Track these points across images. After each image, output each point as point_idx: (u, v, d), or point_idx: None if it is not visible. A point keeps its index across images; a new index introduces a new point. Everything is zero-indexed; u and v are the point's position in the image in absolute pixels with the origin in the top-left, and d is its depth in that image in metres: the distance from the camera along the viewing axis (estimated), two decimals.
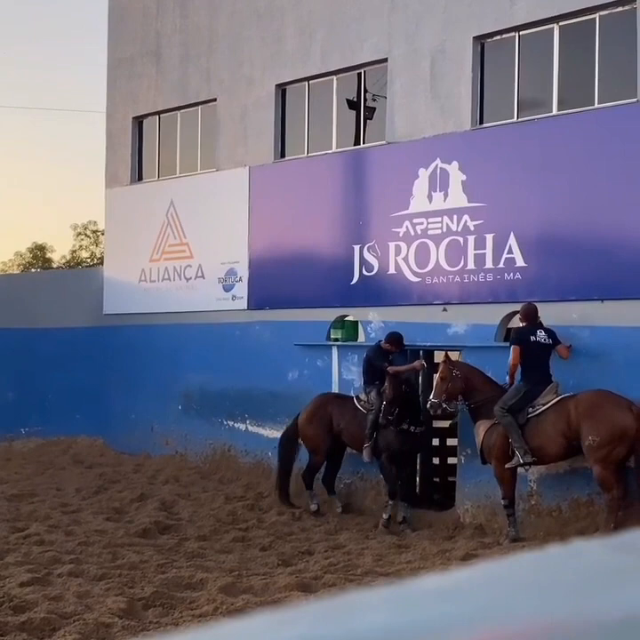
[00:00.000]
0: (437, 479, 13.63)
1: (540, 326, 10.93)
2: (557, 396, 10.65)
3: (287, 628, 0.77)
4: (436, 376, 11.24)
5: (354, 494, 12.99)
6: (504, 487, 10.86)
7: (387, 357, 12.25)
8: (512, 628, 0.72)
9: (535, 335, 10.79)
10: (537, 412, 10.64)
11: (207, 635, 0.79)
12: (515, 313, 11.96)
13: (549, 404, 10.61)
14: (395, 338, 12.31)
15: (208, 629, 0.79)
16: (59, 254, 47.05)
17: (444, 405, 11.21)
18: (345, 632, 0.74)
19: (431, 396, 11.19)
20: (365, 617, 0.77)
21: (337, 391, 13.40)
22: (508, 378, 11.03)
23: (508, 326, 12.35)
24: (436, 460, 13.78)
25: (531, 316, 10.97)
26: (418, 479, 12.93)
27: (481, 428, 11.01)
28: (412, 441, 12.01)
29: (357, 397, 12.56)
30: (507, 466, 10.75)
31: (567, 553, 0.87)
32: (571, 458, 10.67)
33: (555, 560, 0.85)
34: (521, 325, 11.06)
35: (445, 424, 13.21)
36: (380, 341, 12.54)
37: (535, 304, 11.10)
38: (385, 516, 11.68)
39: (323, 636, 0.74)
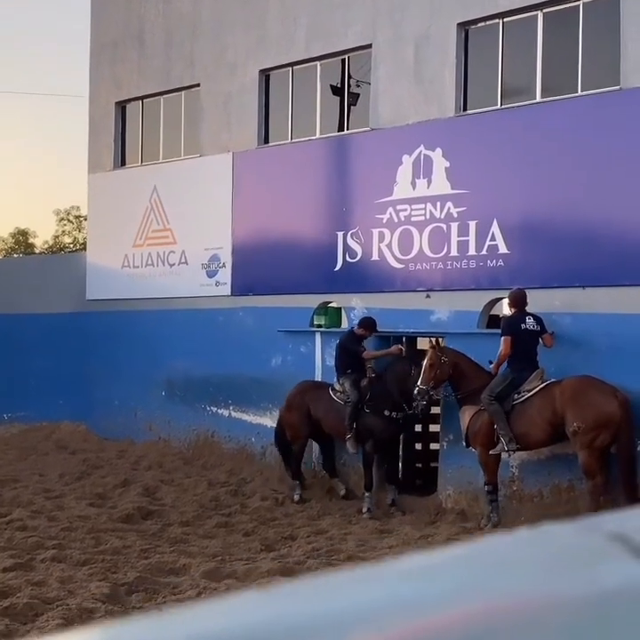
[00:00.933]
0: (420, 465, 13.69)
1: (528, 313, 10.93)
2: (543, 383, 10.68)
3: (264, 607, 0.78)
4: (425, 362, 11.23)
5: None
6: (488, 473, 10.91)
7: (360, 343, 12.24)
8: (483, 607, 0.73)
9: (525, 322, 10.79)
10: (522, 398, 10.66)
11: (187, 613, 0.80)
12: (498, 299, 12.02)
13: (535, 391, 10.64)
14: (368, 322, 12.31)
15: (188, 608, 0.80)
16: (41, 240, 46.86)
17: (432, 392, 11.23)
18: (318, 611, 0.75)
19: (419, 383, 11.18)
20: (337, 596, 0.78)
21: (320, 377, 13.43)
22: (492, 366, 11.04)
23: (492, 313, 12.41)
24: (418, 446, 13.84)
25: (520, 302, 10.94)
26: (400, 465, 12.98)
27: (466, 414, 11.05)
28: (395, 427, 12.04)
29: (332, 388, 12.52)
30: (491, 452, 10.80)
31: (537, 534, 0.88)
32: (555, 444, 10.71)
33: (525, 540, 0.87)
34: (510, 313, 11.00)
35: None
36: (352, 328, 12.56)
37: (524, 290, 11.10)
38: (364, 510, 11.71)
39: (294, 615, 0.75)
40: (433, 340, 11.56)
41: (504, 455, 10.97)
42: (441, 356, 11.13)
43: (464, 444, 11.23)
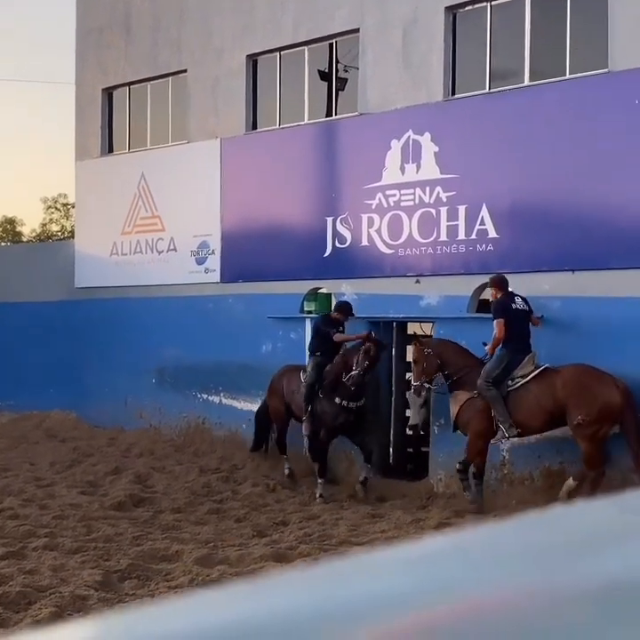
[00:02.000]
0: (411, 449, 13.72)
1: (515, 294, 10.88)
2: (536, 368, 10.61)
3: (261, 599, 0.77)
4: (412, 360, 11.29)
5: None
6: (469, 454, 10.87)
7: (336, 327, 12.23)
8: (490, 598, 0.71)
9: (515, 303, 10.75)
10: (517, 385, 10.58)
11: (183, 604, 0.79)
12: (487, 284, 12.00)
13: (530, 377, 10.56)
14: (343, 307, 12.29)
15: (184, 599, 0.79)
16: (29, 228, 46.65)
17: (427, 386, 11.21)
18: (310, 605, 0.73)
19: (412, 381, 11.18)
20: (338, 586, 0.76)
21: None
22: (487, 348, 10.97)
23: (482, 297, 12.42)
24: (409, 431, 13.86)
25: (504, 284, 10.90)
26: (391, 450, 13.01)
27: (457, 399, 10.95)
28: (347, 416, 11.85)
29: (303, 369, 12.54)
30: (492, 441, 10.72)
31: (541, 519, 0.86)
32: (550, 430, 10.65)
33: (530, 526, 0.85)
34: (498, 296, 10.91)
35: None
36: (329, 312, 12.62)
37: (503, 274, 11.11)
38: (317, 495, 11.71)
39: (291, 608, 0.74)
40: (426, 327, 11.53)
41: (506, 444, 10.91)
42: (424, 349, 11.09)
43: (452, 428, 11.21)
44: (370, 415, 12.37)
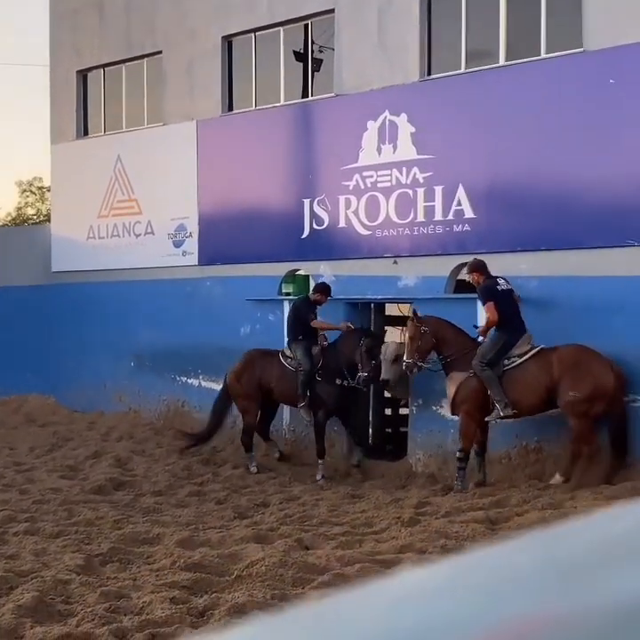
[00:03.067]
0: (389, 430, 13.79)
1: (495, 276, 10.83)
2: (532, 347, 10.58)
3: (278, 637, 0.73)
4: (405, 336, 11.18)
5: (308, 447, 13.09)
6: (464, 440, 10.82)
7: (314, 309, 12.22)
8: (512, 627, 0.66)
9: (499, 285, 10.69)
10: (514, 364, 10.53)
11: None
12: (465, 264, 12.04)
13: (527, 357, 10.53)
14: (322, 287, 12.26)
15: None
16: (3, 211, 46.27)
17: (420, 364, 11.10)
18: None
19: (404, 357, 11.09)
20: (353, 625, 0.71)
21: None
22: (478, 330, 10.90)
23: (459, 278, 12.46)
24: (388, 411, 13.94)
25: (484, 268, 10.83)
26: (370, 430, 13.08)
27: (454, 380, 10.89)
28: (346, 395, 11.98)
29: (283, 354, 12.44)
30: (486, 419, 10.69)
31: (543, 539, 0.82)
32: (544, 411, 10.62)
33: (531, 547, 0.81)
34: (481, 281, 10.80)
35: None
36: (307, 294, 12.54)
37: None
38: (318, 477, 11.78)
39: None
40: (403, 308, 11.45)
41: (492, 422, 10.92)
42: (420, 326, 10.95)
43: (449, 411, 11.15)
44: (362, 396, 12.46)
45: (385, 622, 0.70)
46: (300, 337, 12.08)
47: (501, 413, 10.53)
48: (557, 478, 10.31)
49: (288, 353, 12.34)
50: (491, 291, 10.64)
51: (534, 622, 0.66)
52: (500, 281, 10.77)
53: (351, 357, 11.70)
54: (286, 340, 12.50)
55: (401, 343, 11.78)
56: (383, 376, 11.90)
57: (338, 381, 11.81)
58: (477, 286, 10.90)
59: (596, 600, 0.68)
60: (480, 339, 10.88)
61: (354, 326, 12.23)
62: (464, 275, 12.06)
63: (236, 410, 12.90)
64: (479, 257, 11.20)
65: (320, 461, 11.93)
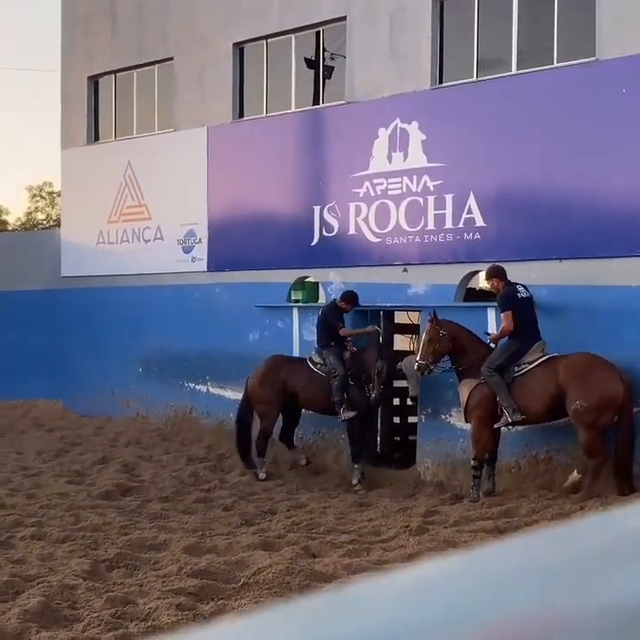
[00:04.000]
0: (398, 438, 13.75)
1: (515, 282, 10.74)
2: (544, 355, 10.51)
3: (281, 628, 0.72)
4: (423, 337, 11.14)
5: (315, 454, 13.05)
6: (477, 448, 10.74)
7: (342, 316, 12.23)
8: (513, 625, 0.66)
9: (519, 292, 10.63)
10: (523, 371, 10.48)
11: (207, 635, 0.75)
12: (475, 273, 12.01)
13: (536, 363, 10.47)
14: (350, 296, 12.26)
15: (208, 630, 0.75)
16: (14, 217, 46.42)
17: (431, 367, 11.05)
18: (337, 636, 0.69)
19: (418, 358, 11.05)
20: (355, 618, 0.71)
21: (298, 352, 13.41)
22: (490, 337, 10.88)
23: (469, 286, 12.43)
24: (396, 419, 13.90)
25: (504, 273, 10.77)
26: (379, 438, 13.03)
27: (466, 387, 10.83)
28: (373, 402, 12.09)
29: (311, 359, 12.44)
30: (495, 426, 10.60)
31: (560, 534, 0.82)
32: (554, 420, 10.56)
33: (548, 542, 0.81)
34: (501, 287, 10.74)
35: (405, 383, 13.26)
36: (334, 299, 12.51)
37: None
38: (354, 482, 11.74)
39: None
40: (430, 313, 11.31)
41: (504, 429, 10.85)
42: (439, 329, 10.89)
43: (463, 419, 11.06)
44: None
45: (387, 616, 0.70)
46: (332, 343, 12.09)
47: (510, 419, 10.45)
48: (575, 475, 10.21)
49: (317, 359, 12.28)
50: (511, 299, 10.58)
51: (535, 622, 0.66)
52: (520, 288, 10.70)
53: (370, 370, 11.82)
54: (317, 346, 12.41)
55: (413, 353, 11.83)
56: (411, 393, 12.10)
57: (366, 388, 11.87)
58: (497, 293, 10.85)
59: (598, 601, 0.68)
60: (492, 345, 10.85)
61: (380, 330, 12.29)
62: (474, 283, 12.03)
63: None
64: (490, 265, 11.16)
65: (356, 466, 11.84)
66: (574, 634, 0.65)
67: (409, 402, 13.02)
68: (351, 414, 11.90)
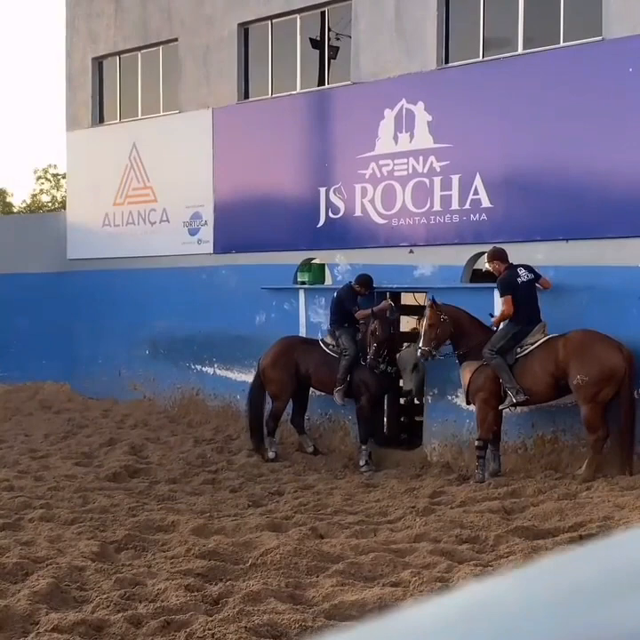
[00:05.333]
0: (404, 419, 13.77)
1: (517, 265, 10.74)
2: (545, 336, 10.52)
3: None
4: (424, 322, 11.13)
5: (322, 435, 13.09)
6: (482, 429, 10.74)
7: (356, 300, 12.24)
8: None
9: (519, 276, 10.61)
10: (525, 352, 10.50)
11: None
12: (481, 254, 11.97)
13: (537, 344, 10.48)
14: (365, 280, 12.27)
15: None
16: (19, 198, 46.40)
17: (434, 352, 11.03)
18: None
19: (420, 344, 11.03)
20: None
21: (304, 334, 13.42)
22: (493, 320, 10.86)
23: (475, 267, 12.40)
24: (402, 400, 13.90)
25: (505, 256, 10.76)
26: (385, 419, 13.05)
27: (467, 370, 10.84)
28: (388, 382, 12.09)
29: (323, 341, 12.49)
30: (500, 407, 10.60)
31: (543, 570, 0.80)
32: (559, 398, 10.55)
33: (530, 580, 0.79)
34: (502, 270, 10.74)
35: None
36: (350, 282, 12.49)
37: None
38: (362, 463, 11.76)
39: None
40: (429, 298, 11.31)
41: (507, 411, 10.86)
42: (440, 314, 10.88)
43: (465, 401, 11.09)
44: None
45: None
46: (346, 324, 12.11)
47: (514, 400, 10.46)
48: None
49: (329, 340, 12.32)
50: (510, 283, 10.57)
51: None
52: (521, 271, 10.67)
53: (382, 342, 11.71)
54: (330, 327, 12.41)
55: (412, 348, 11.79)
56: (405, 387, 12.06)
57: (382, 367, 11.81)
58: (498, 275, 10.84)
59: (609, 627, 0.67)
60: (494, 328, 10.85)
61: (393, 305, 12.31)
62: (480, 264, 12.01)
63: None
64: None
65: (363, 447, 11.87)
66: None
67: (402, 401, 12.99)
68: (340, 398, 11.97)
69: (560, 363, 10.23)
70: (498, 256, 10.84)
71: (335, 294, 12.43)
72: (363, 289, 12.22)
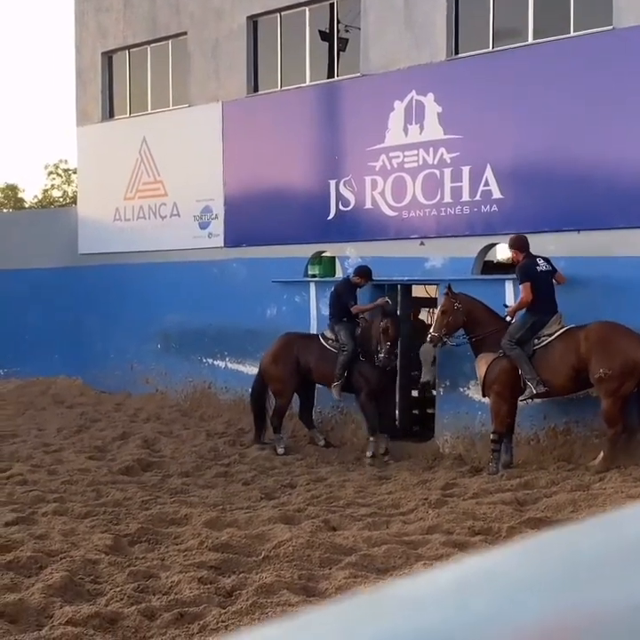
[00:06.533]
0: (416, 411, 13.77)
1: (536, 255, 10.69)
2: (562, 327, 10.46)
3: (324, 629, 0.72)
4: (438, 309, 11.12)
5: (334, 428, 13.10)
6: (497, 422, 10.73)
7: (355, 292, 12.22)
8: (524, 635, 0.66)
9: (538, 265, 10.57)
10: (543, 343, 10.44)
11: None
12: (492, 245, 11.94)
13: (555, 335, 10.42)
14: (364, 271, 12.25)
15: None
16: (30, 194, 46.52)
17: (445, 339, 11.05)
18: None
19: (431, 330, 11.04)
20: (379, 624, 0.71)
21: (316, 327, 13.41)
22: (508, 310, 10.85)
23: (486, 259, 12.37)
24: (414, 393, 13.90)
25: (526, 245, 10.70)
26: (397, 412, 13.05)
27: (483, 362, 10.80)
28: (389, 375, 12.09)
29: (323, 335, 12.47)
30: (520, 398, 10.57)
31: (552, 541, 0.80)
32: (579, 391, 10.51)
33: (539, 550, 0.79)
34: (520, 259, 10.72)
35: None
36: (348, 275, 12.49)
37: (523, 234, 10.97)
38: (369, 454, 11.78)
39: None
40: (445, 285, 11.28)
41: (522, 403, 10.82)
42: (454, 302, 10.88)
43: (481, 393, 11.06)
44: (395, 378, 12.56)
45: (406, 622, 0.70)
46: (345, 319, 12.11)
47: (534, 391, 10.39)
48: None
49: (329, 334, 12.32)
50: (530, 270, 10.54)
51: (556, 626, 0.65)
52: (540, 261, 10.64)
53: (377, 338, 11.71)
54: (330, 321, 12.43)
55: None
56: (423, 378, 12.04)
57: (377, 362, 11.79)
58: (517, 264, 10.81)
59: (616, 602, 0.67)
60: (508, 319, 10.82)
61: (390, 301, 12.26)
62: (491, 256, 11.98)
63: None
64: (507, 237, 11.12)
65: (371, 439, 11.88)
66: (594, 636, 0.65)
67: (415, 393, 13.02)
68: (337, 393, 12.03)
69: (582, 355, 10.15)
70: (517, 245, 10.80)
71: (333, 288, 12.43)
72: (362, 280, 12.18)
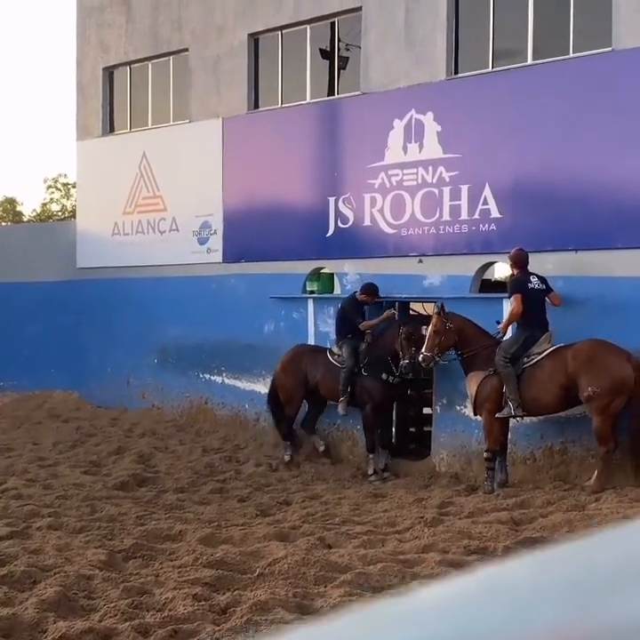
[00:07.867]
0: (413, 429, 13.75)
1: (532, 273, 10.75)
2: (551, 346, 10.51)
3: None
4: (429, 328, 11.15)
5: (331, 445, 13.07)
6: (490, 440, 10.75)
7: (362, 309, 12.30)
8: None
9: (530, 282, 10.63)
10: (532, 362, 10.48)
11: None
12: (490, 264, 11.96)
13: (544, 354, 10.46)
14: (370, 289, 12.31)
15: None
16: (29, 207, 46.57)
17: (437, 358, 11.09)
18: None
19: (423, 349, 11.07)
20: (396, 631, 0.71)
21: (313, 343, 13.43)
22: (500, 326, 10.90)
23: (484, 277, 12.39)
24: (411, 411, 13.89)
25: (523, 262, 10.77)
26: (394, 429, 13.04)
27: (473, 380, 10.84)
28: (392, 391, 12.10)
29: (331, 351, 12.58)
30: (497, 415, 10.60)
31: (566, 551, 0.80)
32: (566, 409, 10.53)
33: (564, 559, 0.79)
34: (514, 273, 10.82)
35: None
36: (355, 292, 12.52)
37: (525, 250, 11.01)
38: (370, 472, 11.78)
39: None
40: (437, 305, 11.34)
41: (512, 421, 10.85)
42: (446, 322, 10.93)
43: (472, 412, 11.07)
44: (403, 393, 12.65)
45: (414, 634, 0.70)
46: (349, 336, 12.21)
47: (512, 412, 10.48)
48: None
49: (336, 350, 12.46)
50: (520, 285, 10.62)
51: (568, 637, 0.66)
52: (534, 279, 10.69)
53: (394, 349, 11.75)
54: (336, 338, 12.53)
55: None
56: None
57: (383, 376, 11.84)
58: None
59: (629, 615, 0.67)
60: (500, 335, 10.84)
61: (397, 313, 12.39)
62: (489, 274, 11.99)
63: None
64: (505, 256, 11.15)
65: (371, 456, 11.93)
66: None
67: (428, 410, 13.08)
68: (343, 409, 12.08)
69: (570, 374, 10.19)
70: (514, 260, 10.88)
71: (340, 306, 12.51)
72: (368, 297, 12.26)
